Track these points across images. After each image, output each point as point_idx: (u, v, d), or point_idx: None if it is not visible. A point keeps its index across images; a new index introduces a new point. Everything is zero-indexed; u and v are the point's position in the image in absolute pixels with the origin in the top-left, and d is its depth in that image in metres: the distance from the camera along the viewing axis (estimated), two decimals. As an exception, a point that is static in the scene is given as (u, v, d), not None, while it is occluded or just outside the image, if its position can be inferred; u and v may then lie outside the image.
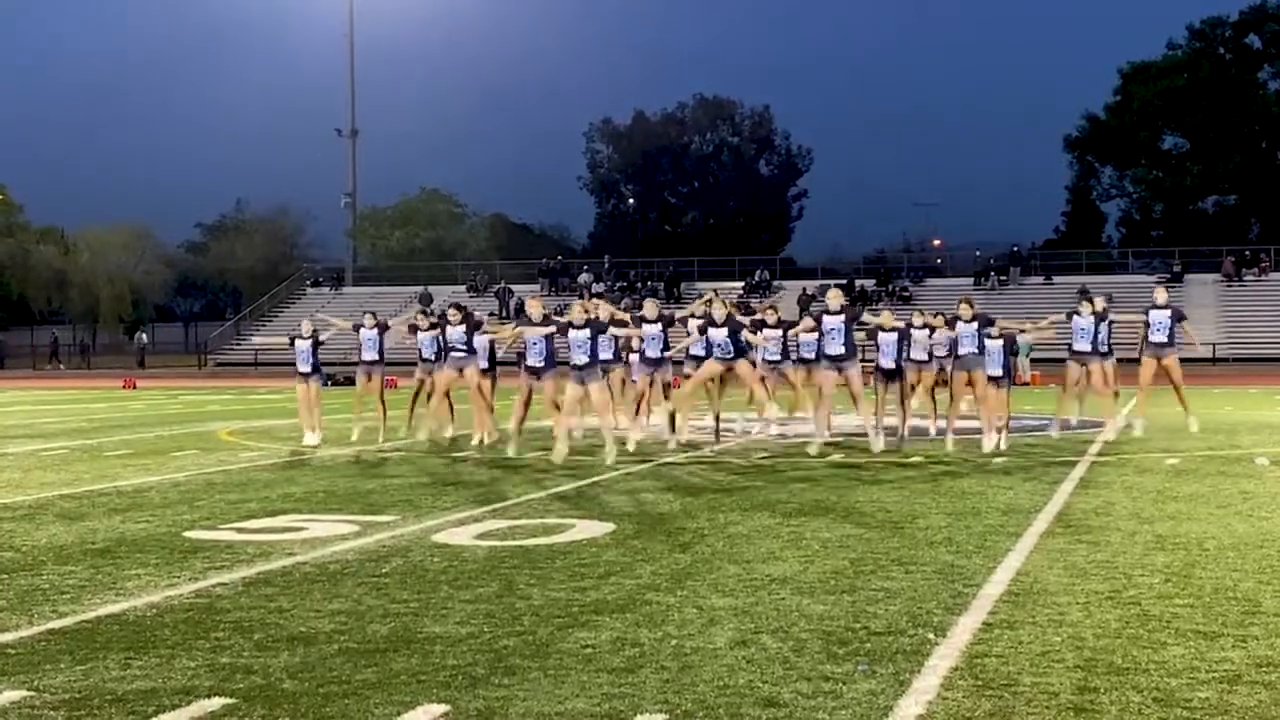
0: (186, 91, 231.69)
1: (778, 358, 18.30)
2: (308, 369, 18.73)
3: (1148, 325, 18.02)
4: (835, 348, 16.88)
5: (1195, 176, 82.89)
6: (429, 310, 21.02)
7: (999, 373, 17.04)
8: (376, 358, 18.95)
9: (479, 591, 8.18)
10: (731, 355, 16.56)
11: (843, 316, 17.14)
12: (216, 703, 5.81)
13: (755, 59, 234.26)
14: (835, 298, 17.59)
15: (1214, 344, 50.50)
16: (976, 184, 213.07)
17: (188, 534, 10.68)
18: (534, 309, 16.66)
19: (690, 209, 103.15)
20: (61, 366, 65.16)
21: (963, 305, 17.61)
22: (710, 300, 17.51)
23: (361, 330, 19.02)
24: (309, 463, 16.56)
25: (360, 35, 80.00)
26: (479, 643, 6.85)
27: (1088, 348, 17.97)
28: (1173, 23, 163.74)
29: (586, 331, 15.62)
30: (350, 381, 24.01)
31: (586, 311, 16.13)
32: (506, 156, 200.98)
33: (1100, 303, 18.52)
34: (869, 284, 61.01)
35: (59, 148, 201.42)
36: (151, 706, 5.77)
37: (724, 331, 16.51)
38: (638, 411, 18.12)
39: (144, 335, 68.95)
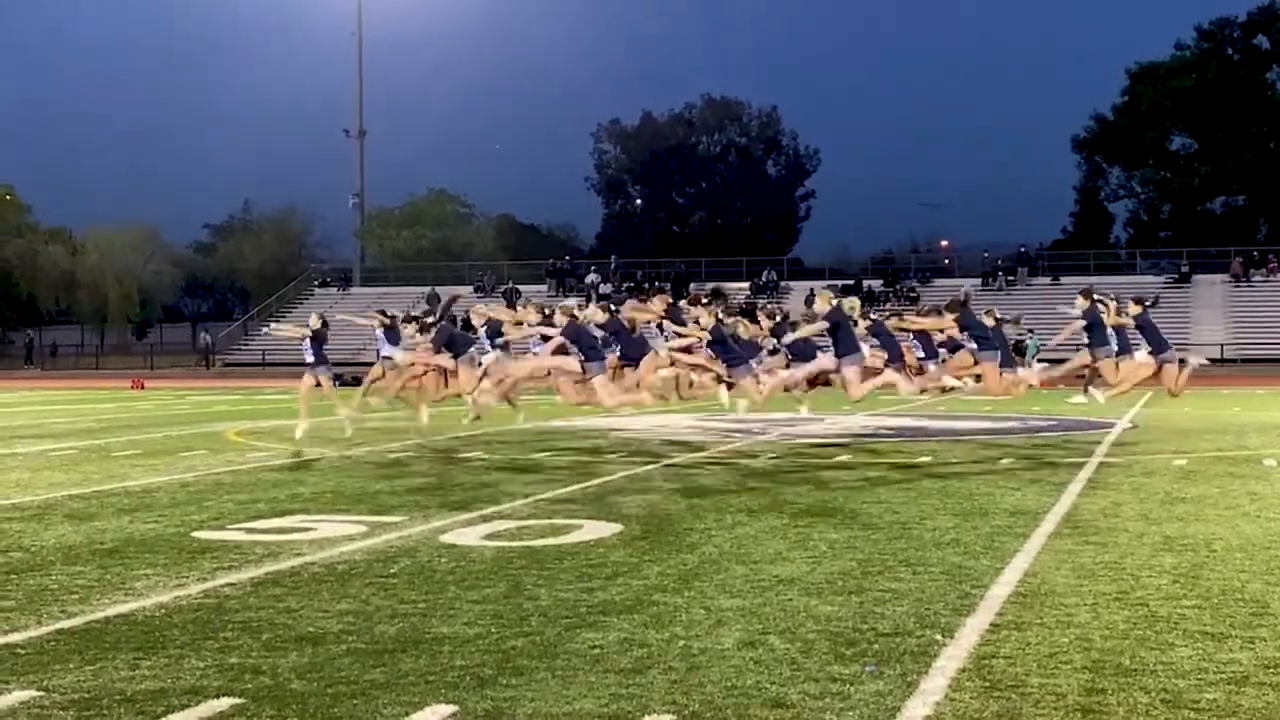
0: (194, 92, 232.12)
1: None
2: (311, 360, 19.14)
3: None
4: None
5: (1203, 177, 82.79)
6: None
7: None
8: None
9: (487, 592, 8.19)
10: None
11: None
12: (225, 703, 5.82)
13: (763, 60, 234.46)
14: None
15: (1222, 345, 50.42)
16: (984, 184, 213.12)
17: (196, 534, 10.70)
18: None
19: (697, 209, 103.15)
20: (33, 367, 65.17)
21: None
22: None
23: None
24: (317, 463, 16.58)
25: (368, 35, 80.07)
26: (487, 643, 6.86)
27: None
28: (1181, 23, 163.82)
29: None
30: (357, 382, 24.05)
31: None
32: (514, 157, 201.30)
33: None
34: (876, 284, 60.94)
35: (67, 148, 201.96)
36: (160, 707, 5.79)
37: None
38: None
39: (207, 335, 68.07)
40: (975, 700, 5.76)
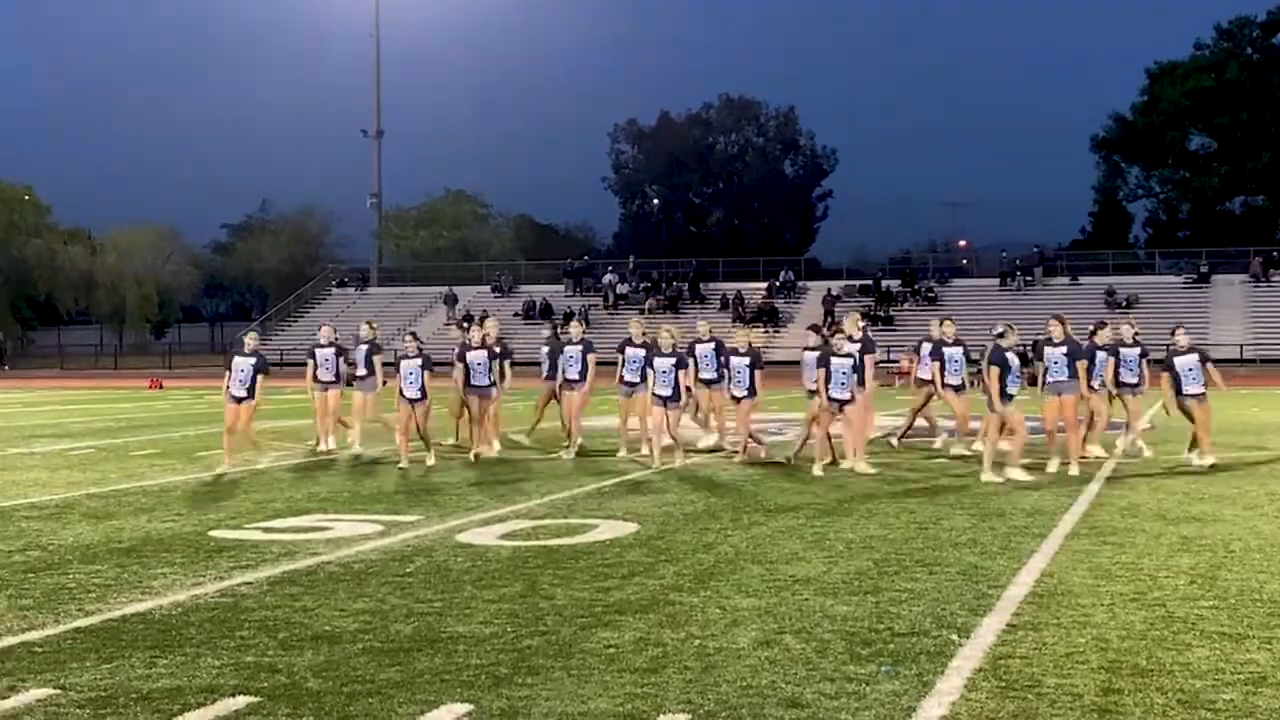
0: (213, 93, 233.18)
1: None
2: (330, 378, 18.40)
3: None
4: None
5: (1222, 177, 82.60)
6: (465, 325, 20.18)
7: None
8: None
9: (503, 591, 8.20)
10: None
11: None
12: (241, 701, 5.83)
13: (780, 60, 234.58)
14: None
15: (1241, 345, 50.23)
16: (1003, 184, 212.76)
17: (213, 533, 10.73)
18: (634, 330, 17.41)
19: (715, 209, 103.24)
20: (7, 368, 65.26)
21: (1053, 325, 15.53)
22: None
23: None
24: (333, 463, 16.62)
25: (386, 36, 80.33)
26: (502, 642, 6.87)
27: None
28: (1201, 23, 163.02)
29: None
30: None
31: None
32: (531, 157, 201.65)
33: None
34: (894, 284, 60.87)
35: (86, 149, 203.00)
36: (177, 705, 5.80)
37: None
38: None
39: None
40: (991, 700, 5.74)
